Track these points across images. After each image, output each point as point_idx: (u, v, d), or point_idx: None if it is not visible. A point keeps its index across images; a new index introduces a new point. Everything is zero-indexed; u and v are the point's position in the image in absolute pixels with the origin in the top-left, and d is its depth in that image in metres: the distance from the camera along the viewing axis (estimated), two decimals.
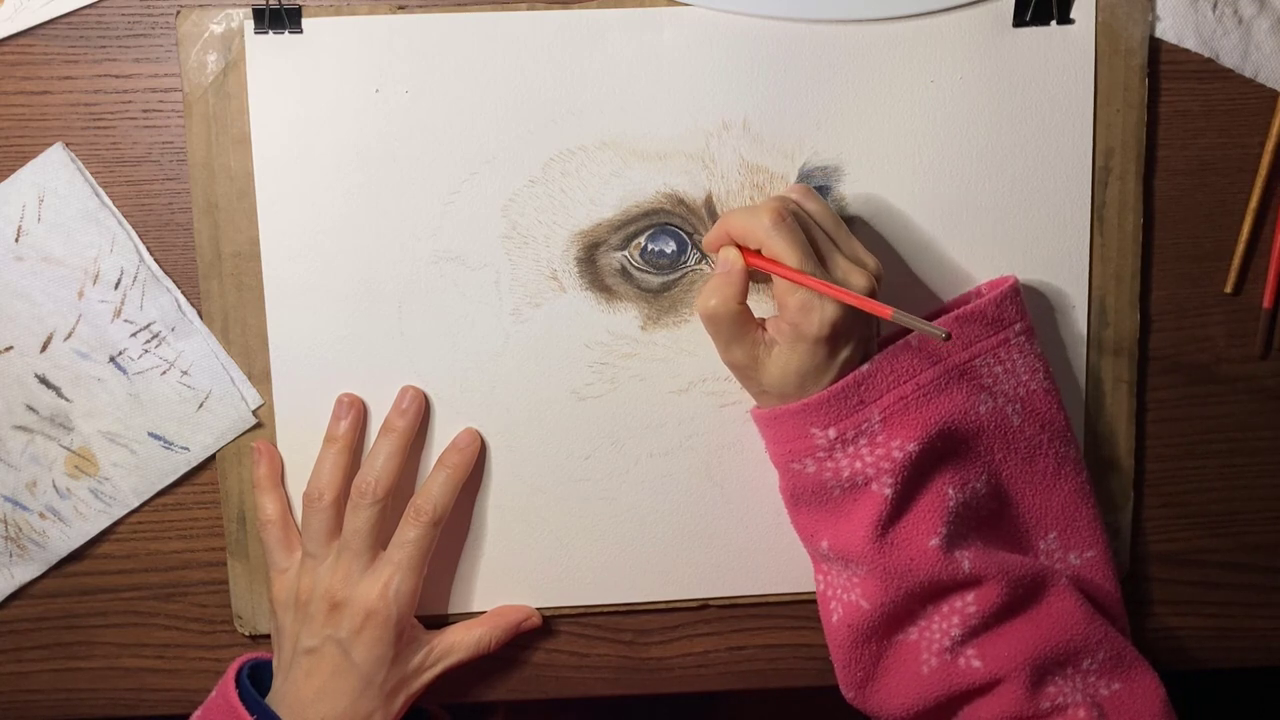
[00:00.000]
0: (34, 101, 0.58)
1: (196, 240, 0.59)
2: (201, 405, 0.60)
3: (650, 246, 0.59)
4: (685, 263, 0.60)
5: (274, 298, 0.59)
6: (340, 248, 0.59)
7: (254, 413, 0.60)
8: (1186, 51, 0.60)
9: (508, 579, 0.62)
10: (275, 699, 0.58)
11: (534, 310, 0.60)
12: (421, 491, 0.59)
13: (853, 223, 0.59)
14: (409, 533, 0.58)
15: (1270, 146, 0.61)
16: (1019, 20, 0.59)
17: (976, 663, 0.55)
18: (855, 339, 0.54)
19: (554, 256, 0.59)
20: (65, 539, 0.61)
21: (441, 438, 0.60)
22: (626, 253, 0.59)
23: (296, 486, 0.60)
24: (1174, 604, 0.65)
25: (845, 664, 0.57)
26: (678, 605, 0.63)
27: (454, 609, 0.62)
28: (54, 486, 0.61)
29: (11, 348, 0.59)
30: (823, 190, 0.59)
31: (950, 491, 0.55)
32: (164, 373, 0.60)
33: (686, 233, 0.59)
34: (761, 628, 0.64)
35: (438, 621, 0.62)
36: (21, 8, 0.57)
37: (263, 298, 0.59)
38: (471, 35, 0.57)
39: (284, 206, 0.58)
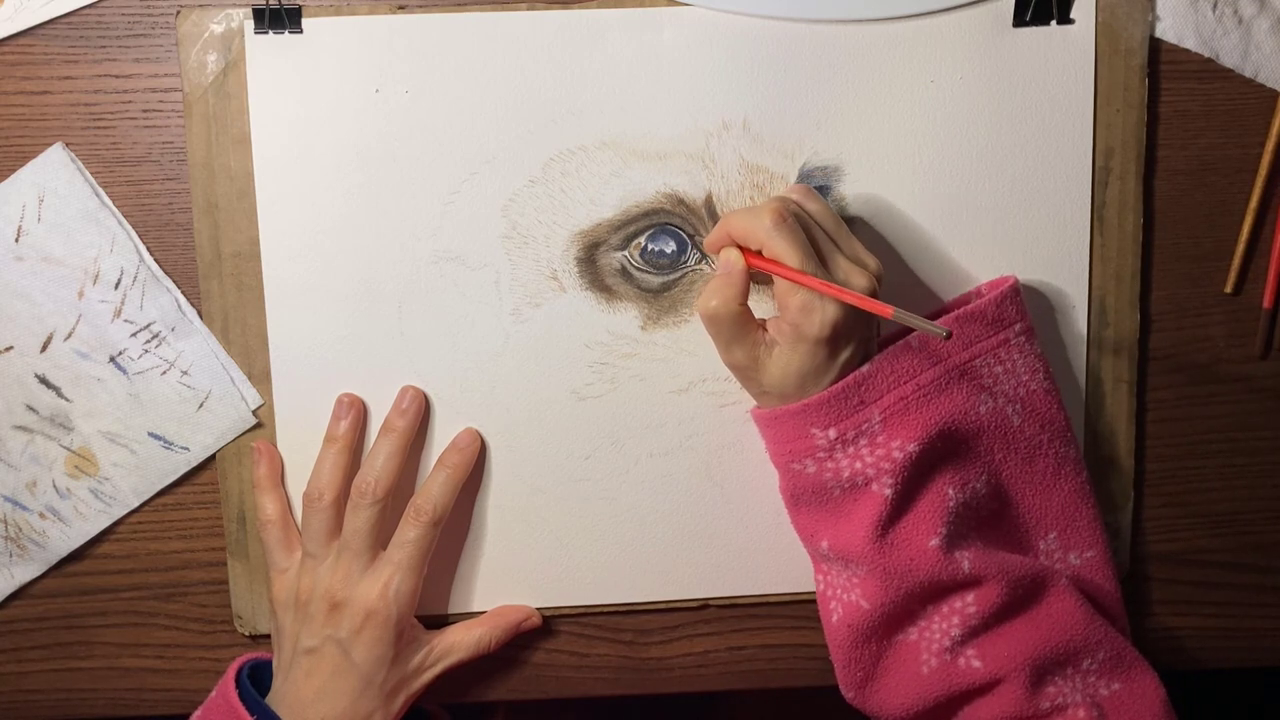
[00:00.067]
0: (34, 101, 0.58)
1: (196, 240, 0.59)
2: (201, 405, 0.60)
3: (650, 246, 0.59)
4: (685, 263, 0.60)
5: (274, 298, 0.59)
6: (340, 248, 0.59)
7: (254, 413, 0.60)
8: (1186, 51, 0.60)
9: (508, 579, 0.62)
10: (275, 699, 0.58)
11: (534, 310, 0.60)
12: (421, 491, 0.59)
13: (853, 223, 0.59)
14: (409, 533, 0.58)
15: (1270, 146, 0.61)
16: (1019, 20, 0.59)
17: (976, 663, 0.55)
18: (856, 340, 0.54)
19: (554, 256, 0.59)
20: (65, 539, 0.61)
21: (441, 438, 0.60)
22: (626, 253, 0.59)
23: (296, 486, 0.60)
24: (1174, 604, 0.65)
25: (845, 664, 0.57)
26: (678, 605, 0.63)
27: (454, 609, 0.62)
28: (54, 486, 0.61)
29: (11, 348, 0.59)
30: (823, 190, 0.59)
31: (950, 492, 0.55)
32: (164, 373, 0.60)
33: (687, 233, 0.59)
34: (761, 628, 0.64)
35: (438, 621, 0.62)
36: (21, 8, 0.57)
37: (263, 298, 0.59)
38: (471, 35, 0.57)
39: (284, 206, 0.58)
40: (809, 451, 0.55)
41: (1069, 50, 0.59)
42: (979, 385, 0.56)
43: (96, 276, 0.59)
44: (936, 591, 0.55)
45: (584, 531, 0.62)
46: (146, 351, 0.60)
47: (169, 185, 0.59)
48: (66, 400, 0.60)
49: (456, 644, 0.60)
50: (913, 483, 0.55)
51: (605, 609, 0.63)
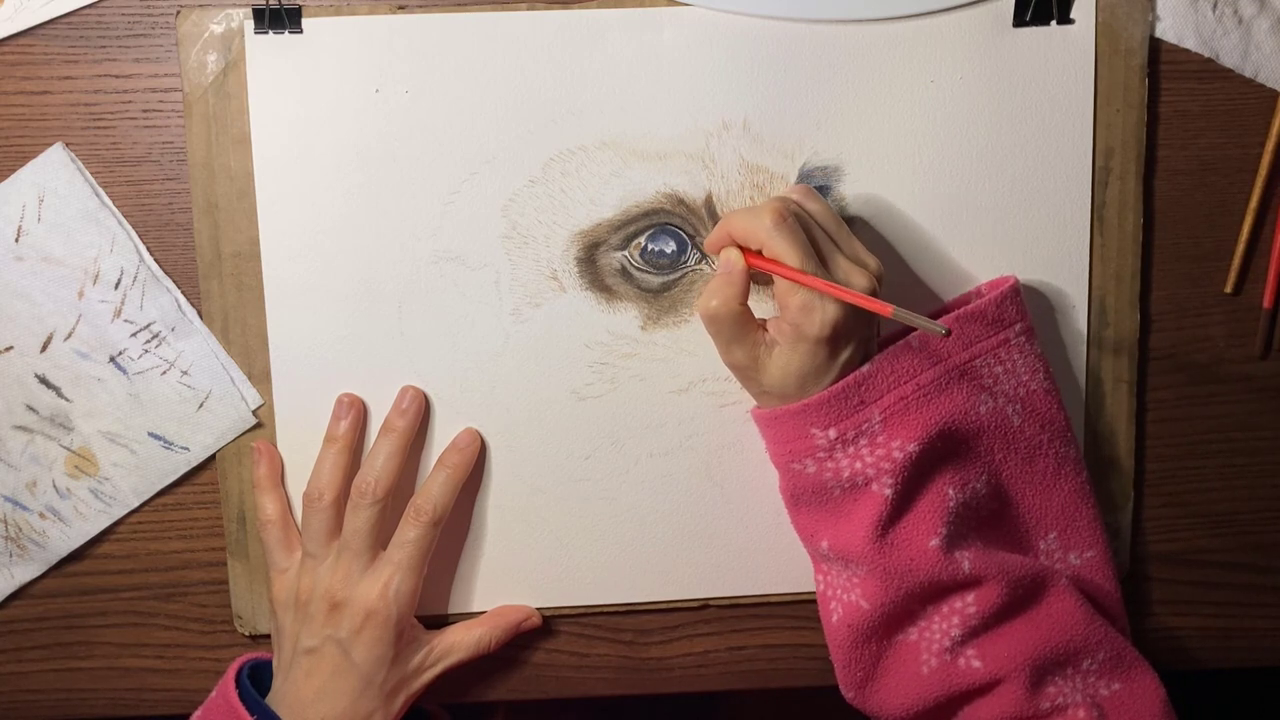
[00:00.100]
0: (34, 101, 0.58)
1: (196, 240, 0.59)
2: (201, 405, 0.60)
3: (650, 246, 0.59)
4: (685, 263, 0.60)
5: (274, 298, 0.59)
6: (340, 248, 0.59)
7: (254, 413, 0.60)
8: (1186, 51, 0.60)
9: (508, 579, 0.62)
10: (275, 699, 0.58)
11: (534, 310, 0.60)
12: (421, 491, 0.59)
13: (853, 223, 0.59)
14: (409, 533, 0.58)
15: (1270, 146, 0.61)
16: (1019, 20, 0.59)
17: (976, 663, 0.55)
18: (856, 340, 0.54)
19: (554, 256, 0.59)
20: (65, 539, 0.61)
21: (441, 438, 0.60)
22: (626, 253, 0.59)
23: (296, 486, 0.60)
24: (1174, 604, 0.65)
25: (845, 664, 0.57)
26: (678, 605, 0.63)
27: (454, 609, 0.62)
28: (54, 486, 0.61)
29: (11, 348, 0.59)
30: (823, 190, 0.59)
31: (950, 492, 0.55)
32: (164, 373, 0.60)
33: (687, 233, 0.59)
34: (761, 628, 0.64)
35: (438, 621, 0.62)
36: (21, 8, 0.57)
37: (263, 298, 0.59)
38: (471, 35, 0.57)
39: (284, 206, 0.58)
40: (809, 451, 0.55)
41: (1069, 50, 0.59)
42: (979, 385, 0.56)
43: (96, 276, 0.59)
44: (936, 591, 0.55)
45: (584, 531, 0.62)
46: (146, 351, 0.60)
47: (169, 185, 0.59)
48: (66, 400, 0.60)
49: (456, 644, 0.60)
50: (913, 483, 0.55)
51: (605, 609, 0.63)
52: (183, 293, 0.60)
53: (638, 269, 0.60)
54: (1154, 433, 0.63)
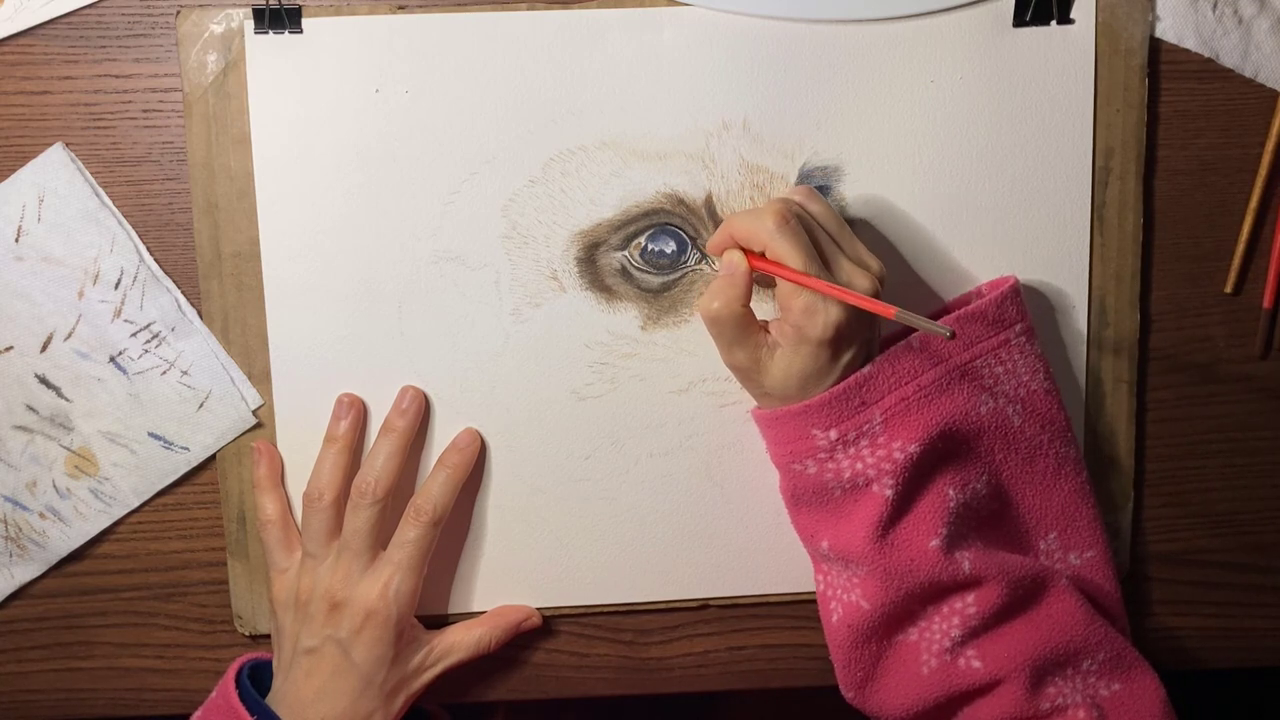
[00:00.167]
0: (34, 101, 0.58)
1: (196, 240, 0.59)
2: (201, 405, 0.60)
3: (650, 246, 0.59)
4: (685, 263, 0.60)
5: (274, 298, 0.59)
6: (340, 248, 0.59)
7: (254, 413, 0.60)
8: (1186, 51, 0.60)
9: (508, 579, 0.62)
10: (275, 699, 0.58)
11: (534, 310, 0.60)
12: (421, 491, 0.59)
13: (853, 223, 0.59)
14: (409, 533, 0.58)
15: (1270, 146, 0.61)
16: (1019, 20, 0.59)
17: (976, 663, 0.55)
18: (858, 341, 0.54)
19: (554, 256, 0.59)
20: (65, 539, 0.61)
21: (441, 438, 0.60)
22: (626, 253, 0.59)
23: (296, 486, 0.60)
24: (1174, 604, 0.65)
25: (845, 664, 0.57)
26: (678, 605, 0.63)
27: (454, 609, 0.62)
28: (54, 486, 0.61)
29: (11, 348, 0.59)
30: (823, 190, 0.59)
31: (951, 492, 0.55)
32: (164, 373, 0.60)
33: (687, 233, 0.59)
34: (761, 628, 0.64)
35: (438, 621, 0.62)
36: (21, 8, 0.57)
37: (263, 298, 0.59)
38: (471, 35, 0.57)
39: (284, 206, 0.58)
40: (810, 452, 0.55)
41: (1069, 50, 0.59)
42: (980, 386, 0.56)
43: (96, 276, 0.59)
44: (937, 592, 0.55)
45: (584, 531, 0.62)
46: (146, 351, 0.59)
47: (169, 185, 0.59)
48: (66, 400, 0.60)
49: (456, 644, 0.60)
50: (913, 483, 0.55)
51: (605, 609, 0.63)
52: (183, 293, 0.60)
53: (638, 269, 0.59)
54: (1154, 433, 0.63)
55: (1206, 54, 0.60)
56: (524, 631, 0.62)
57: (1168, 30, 0.59)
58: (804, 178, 0.59)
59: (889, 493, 0.54)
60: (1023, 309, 0.58)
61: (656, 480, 0.61)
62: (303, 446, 0.60)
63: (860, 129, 0.59)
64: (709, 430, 0.61)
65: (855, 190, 0.59)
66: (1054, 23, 0.59)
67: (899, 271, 0.60)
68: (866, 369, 0.54)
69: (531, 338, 0.60)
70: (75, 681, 0.63)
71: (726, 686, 0.64)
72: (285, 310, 0.59)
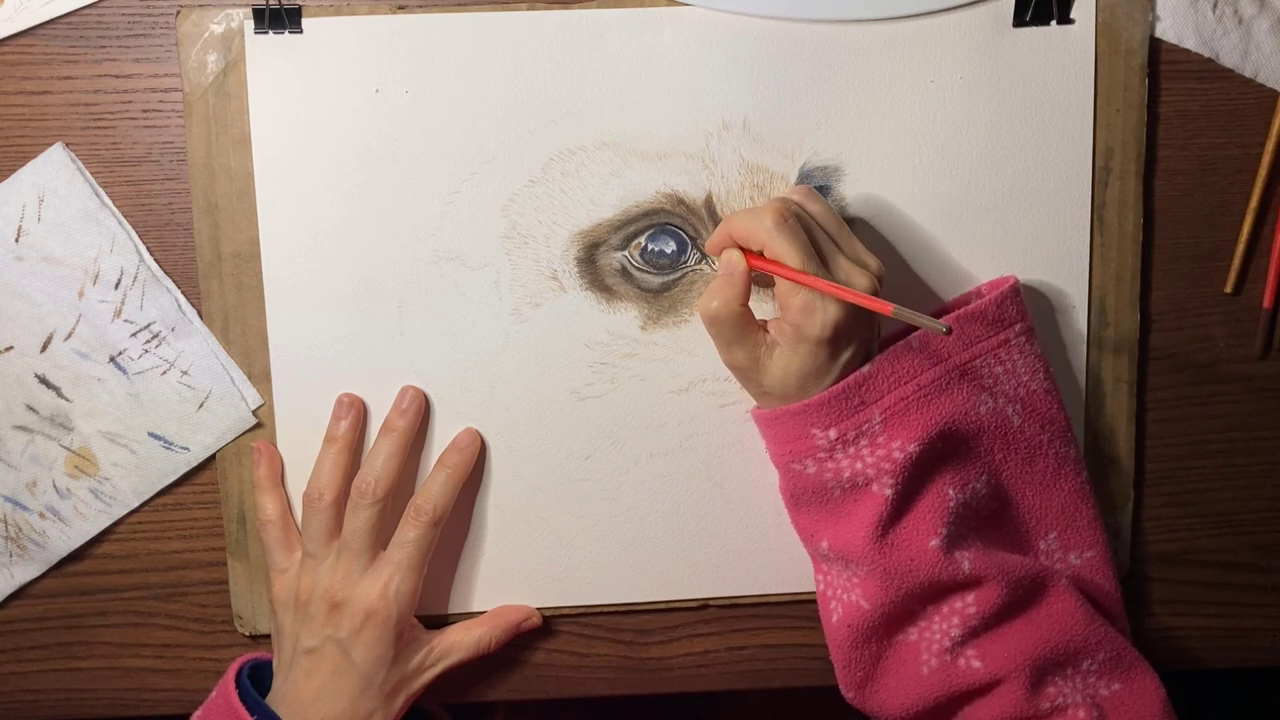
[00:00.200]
0: (34, 101, 0.58)
1: (196, 240, 0.59)
2: (201, 405, 0.60)
3: (650, 246, 0.59)
4: (685, 263, 0.60)
5: (274, 298, 0.59)
6: (340, 248, 0.59)
7: (254, 413, 0.60)
8: (1186, 51, 0.60)
9: (508, 579, 0.62)
10: (275, 699, 0.58)
11: (534, 310, 0.60)
12: (421, 491, 0.59)
13: (853, 223, 0.59)
14: (409, 533, 0.58)
15: (1270, 146, 0.61)
16: (1019, 20, 0.59)
17: (976, 663, 0.55)
18: (857, 341, 0.54)
19: (554, 256, 0.59)
20: (65, 539, 0.61)
21: (441, 438, 0.60)
22: (626, 253, 0.59)
23: (296, 486, 0.60)
24: (1174, 604, 0.65)
25: (845, 664, 0.57)
26: (678, 605, 0.63)
27: (454, 609, 0.62)
28: (54, 486, 0.61)
29: (11, 348, 0.59)
30: (823, 190, 0.59)
31: (950, 492, 0.55)
32: (164, 373, 0.60)
33: (687, 233, 0.59)
34: (761, 628, 0.64)
35: (438, 621, 0.62)
36: (21, 8, 0.57)
37: (263, 298, 0.59)
38: (471, 35, 0.57)
39: (284, 206, 0.58)
40: (809, 452, 0.55)
41: (1069, 50, 0.59)
42: (979, 385, 0.56)
43: (96, 276, 0.59)
44: (936, 592, 0.55)
45: (584, 531, 0.62)
46: (146, 351, 0.60)
47: (169, 185, 0.59)
48: (66, 400, 0.60)
49: (456, 644, 0.60)
50: (913, 483, 0.55)
51: (605, 609, 0.63)
52: (183, 293, 0.60)
53: (638, 269, 0.60)
54: (1154, 433, 0.63)
55: (1206, 54, 0.60)
56: (524, 631, 0.62)
57: (1168, 30, 0.59)
58: (804, 178, 0.59)
59: (889, 492, 0.54)
60: (1023, 309, 0.58)
61: (656, 480, 0.61)
62: (303, 446, 0.60)
63: (860, 129, 0.59)
64: (709, 430, 0.61)
65: (855, 190, 0.59)
66: (1054, 23, 0.59)
67: (899, 271, 0.60)
68: (866, 368, 0.54)
69: (531, 338, 0.60)
70: (75, 681, 0.63)
71: (726, 686, 0.64)
72: (285, 310, 0.59)
